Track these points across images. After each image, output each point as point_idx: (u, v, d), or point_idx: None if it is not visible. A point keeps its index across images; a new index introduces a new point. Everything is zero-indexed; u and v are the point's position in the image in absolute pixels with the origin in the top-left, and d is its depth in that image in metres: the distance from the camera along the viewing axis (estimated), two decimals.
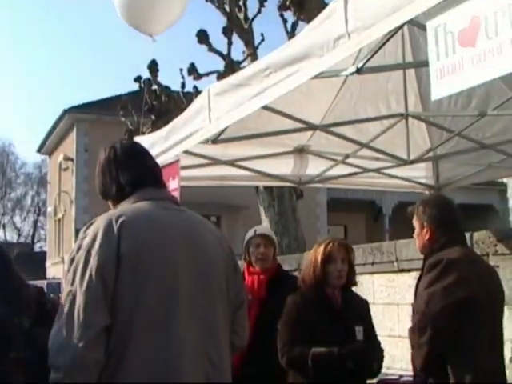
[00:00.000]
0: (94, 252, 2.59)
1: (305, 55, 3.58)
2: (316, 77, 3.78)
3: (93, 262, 2.57)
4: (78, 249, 2.66)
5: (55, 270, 33.24)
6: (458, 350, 3.40)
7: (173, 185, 5.23)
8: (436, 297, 3.41)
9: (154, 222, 2.74)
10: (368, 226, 31.60)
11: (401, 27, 4.36)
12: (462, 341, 3.40)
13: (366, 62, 3.86)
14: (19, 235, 55.86)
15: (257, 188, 11.96)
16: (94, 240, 2.62)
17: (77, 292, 2.56)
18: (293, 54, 3.68)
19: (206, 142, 5.33)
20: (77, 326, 2.50)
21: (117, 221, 2.64)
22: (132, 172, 2.90)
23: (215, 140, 5.49)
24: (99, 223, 2.67)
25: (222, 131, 5.21)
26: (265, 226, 10.79)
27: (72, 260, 2.66)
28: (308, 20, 7.93)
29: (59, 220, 33.69)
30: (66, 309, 2.56)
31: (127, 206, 2.80)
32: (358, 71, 3.90)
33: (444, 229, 3.67)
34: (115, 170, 2.92)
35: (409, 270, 7.62)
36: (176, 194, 4.94)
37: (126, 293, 2.58)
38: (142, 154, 3.03)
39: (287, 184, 7.57)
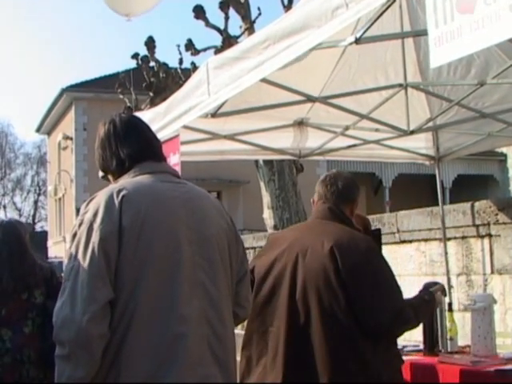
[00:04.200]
0: (95, 226, 2.60)
1: (303, 26, 3.56)
2: (314, 48, 3.76)
3: (95, 237, 2.58)
4: (80, 224, 2.67)
5: (57, 249, 33.31)
6: None
7: (173, 160, 5.24)
8: None
9: (155, 194, 2.75)
10: (368, 198, 31.62)
11: None
12: None
13: (365, 31, 3.84)
14: (20, 215, 55.89)
15: (257, 162, 11.97)
16: (95, 215, 2.63)
17: (79, 267, 2.57)
18: (291, 26, 3.66)
19: (205, 116, 5.32)
20: (80, 301, 2.52)
21: (118, 195, 2.65)
22: (132, 146, 2.90)
23: (214, 114, 5.48)
24: (100, 198, 2.68)
25: (222, 105, 5.20)
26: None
27: (74, 235, 2.68)
28: None
29: (59, 199, 33.73)
30: (69, 284, 2.57)
31: (128, 180, 2.81)
32: (357, 41, 3.88)
33: None
34: (115, 143, 2.92)
35: (410, 241, 7.68)
36: (177, 168, 4.94)
37: (129, 267, 2.59)
38: (142, 127, 3.03)
39: (287, 157, 7.56)
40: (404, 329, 3.68)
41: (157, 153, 2.99)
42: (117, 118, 3.02)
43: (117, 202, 2.64)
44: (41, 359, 4.18)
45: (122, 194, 2.66)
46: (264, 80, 4.64)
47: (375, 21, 3.80)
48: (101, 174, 3.05)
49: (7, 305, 4.24)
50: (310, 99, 5.86)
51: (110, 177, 2.98)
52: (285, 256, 3.76)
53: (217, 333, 2.73)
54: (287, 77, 5.16)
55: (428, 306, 3.97)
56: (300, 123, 6.50)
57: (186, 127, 5.37)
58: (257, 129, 6.37)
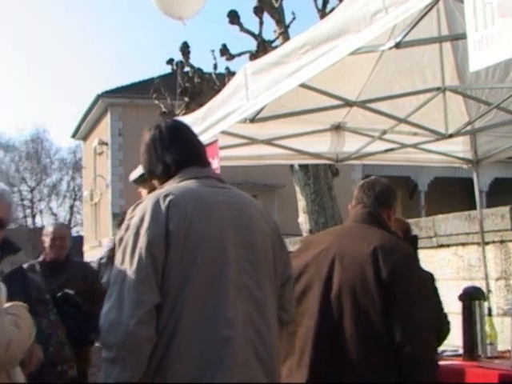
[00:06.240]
0: (142, 231, 2.63)
1: (341, 31, 3.57)
2: (353, 53, 3.77)
3: (142, 241, 2.61)
4: (127, 229, 2.71)
5: (92, 253, 33.54)
6: None
7: (213, 165, 5.26)
8: None
9: (201, 199, 2.78)
10: (403, 202, 31.43)
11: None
12: None
13: (405, 35, 3.84)
14: (56, 220, 56.39)
15: (292, 167, 11.96)
16: (142, 219, 2.66)
17: (127, 271, 2.60)
18: (329, 31, 3.67)
19: (243, 121, 5.34)
20: (127, 305, 2.55)
21: (164, 200, 2.69)
22: (177, 151, 2.94)
23: (253, 119, 5.50)
24: (146, 203, 2.72)
25: (260, 110, 5.22)
26: None
27: (120, 240, 2.71)
28: None
29: (95, 204, 33.97)
30: (116, 288, 2.61)
31: (173, 185, 2.84)
32: (397, 45, 3.88)
33: None
34: (160, 149, 2.96)
35: (448, 246, 7.64)
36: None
37: (176, 271, 2.62)
38: (187, 132, 3.07)
39: (324, 161, 7.56)
40: (419, 346, 3.48)
41: (202, 158, 3.03)
42: (162, 123, 3.06)
43: (163, 206, 2.67)
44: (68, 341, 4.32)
45: (168, 198, 2.69)
46: (301, 84, 4.65)
47: (415, 25, 3.80)
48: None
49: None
50: (348, 103, 5.86)
51: (155, 182, 3.02)
52: (320, 258, 3.77)
53: (262, 336, 2.75)
54: (324, 81, 5.17)
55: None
56: (337, 127, 6.49)
57: (223, 132, 5.40)
58: (294, 133, 6.37)
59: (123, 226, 2.74)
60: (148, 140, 3.01)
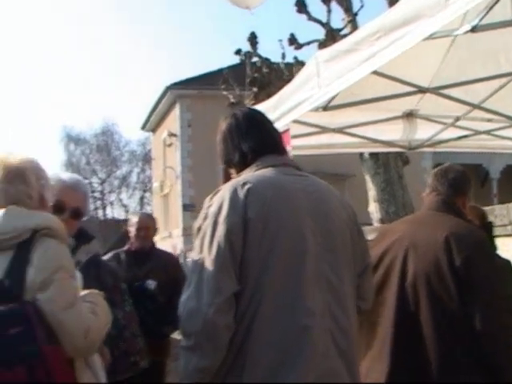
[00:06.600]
0: (221, 219, 2.64)
1: (415, 16, 3.52)
2: (427, 38, 3.72)
3: (220, 230, 2.62)
4: (205, 218, 2.71)
5: (163, 244, 33.88)
6: None
7: None
8: None
9: (279, 187, 2.76)
10: (475, 190, 30.88)
11: None
12: None
13: (481, 19, 3.77)
14: (126, 212, 57.05)
15: (361, 156, 11.89)
16: (220, 208, 2.67)
17: (205, 260, 2.61)
18: (402, 16, 3.62)
19: (315, 109, 5.33)
20: (206, 293, 2.56)
21: (242, 188, 2.69)
22: (254, 139, 2.93)
23: (325, 107, 5.48)
24: (224, 191, 2.72)
25: (332, 98, 5.20)
26: None
27: (198, 229, 2.72)
28: None
29: (165, 195, 34.29)
30: (195, 276, 2.63)
31: (251, 174, 2.84)
32: (473, 29, 3.81)
33: None
34: (237, 137, 2.96)
35: None
36: None
37: (254, 259, 2.62)
38: (263, 121, 3.06)
39: (396, 149, 7.50)
40: (498, 331, 3.45)
41: (278, 146, 3.01)
42: (239, 112, 3.06)
43: (241, 195, 2.67)
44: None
45: (246, 187, 2.69)
46: (373, 71, 4.61)
47: (491, 8, 3.73)
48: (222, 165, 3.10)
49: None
50: (420, 90, 5.79)
51: (232, 171, 3.02)
52: (395, 247, 3.75)
53: (340, 325, 2.73)
54: (395, 67, 5.12)
55: None
56: (409, 115, 6.43)
57: (295, 121, 5.39)
58: (365, 121, 6.34)
59: (201, 215, 2.74)
60: (224, 129, 3.02)
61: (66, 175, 3.84)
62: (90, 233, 4.01)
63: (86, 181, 49.80)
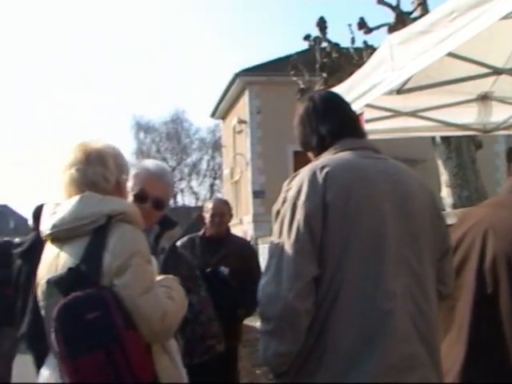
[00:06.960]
0: (300, 203, 2.62)
1: None
2: (503, 18, 3.64)
3: (299, 214, 2.60)
4: (283, 201, 2.70)
5: (233, 231, 33.95)
6: None
7: None
8: None
9: (359, 170, 2.73)
10: None
11: None
12: None
13: None
14: (197, 199, 57.71)
15: (433, 140, 11.72)
16: (299, 192, 2.65)
17: (285, 244, 2.60)
18: None
19: (389, 93, 5.28)
20: (286, 278, 2.55)
21: (321, 171, 2.66)
22: (332, 122, 2.90)
23: (399, 90, 5.43)
24: (303, 175, 2.70)
25: (406, 81, 5.14)
26: None
27: (277, 213, 2.71)
28: None
29: (235, 182, 34.46)
30: (274, 261, 2.61)
31: (329, 157, 2.80)
32: None
33: None
34: (315, 120, 2.93)
35: None
36: None
37: (334, 243, 2.59)
38: (341, 103, 3.03)
39: (471, 133, 7.38)
40: None
41: (357, 129, 2.97)
42: (316, 95, 3.04)
43: (320, 178, 2.63)
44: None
45: (325, 170, 2.66)
46: (448, 53, 4.55)
47: None
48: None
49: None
50: (496, 71, 5.68)
51: (310, 154, 2.99)
52: (473, 230, 3.69)
53: (421, 310, 2.69)
54: (469, 49, 5.03)
55: None
56: (484, 97, 6.31)
57: (368, 105, 5.35)
58: (439, 105, 6.25)
59: (279, 199, 2.73)
60: (302, 112, 2.99)
61: (152, 164, 3.79)
62: (173, 219, 4.00)
63: None
